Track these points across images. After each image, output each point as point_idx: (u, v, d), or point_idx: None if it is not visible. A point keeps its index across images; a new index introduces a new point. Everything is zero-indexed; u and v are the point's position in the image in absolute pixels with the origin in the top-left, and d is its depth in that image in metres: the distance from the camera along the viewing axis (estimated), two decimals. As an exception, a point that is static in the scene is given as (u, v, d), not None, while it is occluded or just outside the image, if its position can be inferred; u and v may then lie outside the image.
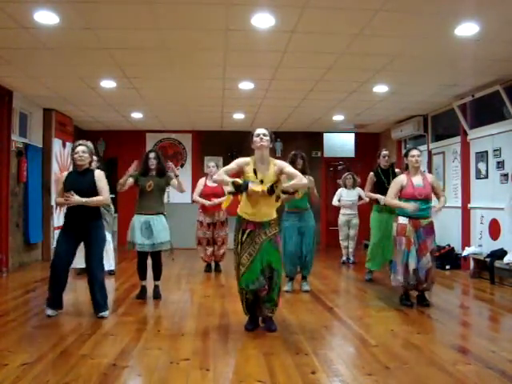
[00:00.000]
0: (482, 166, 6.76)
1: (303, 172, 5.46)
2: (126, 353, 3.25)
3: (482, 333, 3.93)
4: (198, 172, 9.93)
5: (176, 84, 6.36)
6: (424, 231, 4.61)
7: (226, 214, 6.67)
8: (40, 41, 4.67)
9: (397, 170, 5.85)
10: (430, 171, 8.26)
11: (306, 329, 3.89)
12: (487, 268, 6.11)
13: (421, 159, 4.75)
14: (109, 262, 6.50)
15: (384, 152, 5.94)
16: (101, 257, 4.30)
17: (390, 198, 4.75)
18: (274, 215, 3.84)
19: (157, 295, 5.02)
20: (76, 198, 4.06)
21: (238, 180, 3.72)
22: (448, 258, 7.17)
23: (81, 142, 4.35)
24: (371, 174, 6.00)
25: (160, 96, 7.13)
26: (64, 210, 4.46)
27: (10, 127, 6.72)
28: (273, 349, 3.37)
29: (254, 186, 3.63)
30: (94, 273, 4.21)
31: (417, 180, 4.67)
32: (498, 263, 5.91)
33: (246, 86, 6.47)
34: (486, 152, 6.63)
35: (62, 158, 8.30)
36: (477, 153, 6.88)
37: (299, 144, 9.85)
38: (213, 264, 6.93)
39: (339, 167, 10.78)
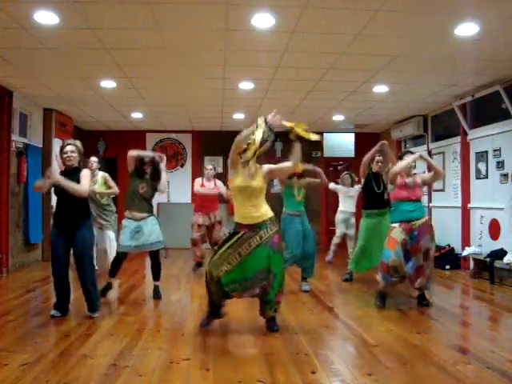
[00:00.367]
0: (481, 165, 6.76)
1: (301, 175, 5.49)
2: (126, 353, 3.25)
3: (482, 333, 3.93)
4: (198, 172, 9.93)
5: (176, 84, 6.36)
6: (418, 233, 4.60)
7: (220, 214, 6.72)
8: (40, 41, 4.67)
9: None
10: (429, 171, 8.25)
11: (305, 329, 3.89)
12: (487, 268, 6.12)
13: (414, 164, 4.84)
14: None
15: (378, 158, 5.82)
16: (90, 256, 4.29)
17: (397, 167, 4.71)
18: (268, 214, 3.78)
19: (157, 295, 5.02)
20: (54, 177, 4.00)
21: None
22: (448, 258, 7.18)
23: (69, 141, 4.34)
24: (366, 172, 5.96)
25: (160, 96, 7.13)
26: (53, 209, 4.42)
27: (10, 127, 6.72)
28: (273, 349, 3.37)
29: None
30: (85, 274, 4.19)
31: (408, 180, 4.74)
32: (497, 263, 5.91)
33: (245, 85, 6.47)
34: (486, 152, 6.63)
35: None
36: (477, 153, 6.88)
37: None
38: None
39: (339, 167, 10.78)
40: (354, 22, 4.24)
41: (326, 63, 5.45)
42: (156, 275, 5.08)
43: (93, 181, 6.30)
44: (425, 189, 8.23)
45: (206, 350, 3.34)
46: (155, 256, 5.01)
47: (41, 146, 7.75)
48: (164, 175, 5.07)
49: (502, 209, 6.17)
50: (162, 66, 5.60)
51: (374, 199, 5.71)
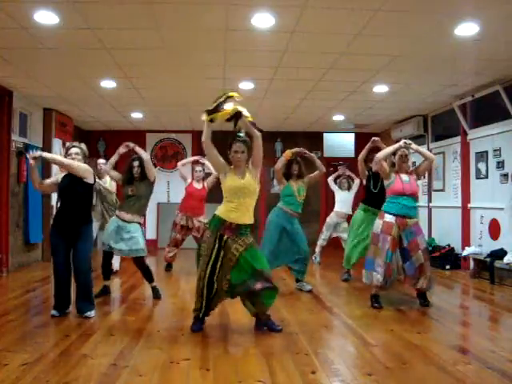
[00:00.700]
0: (481, 165, 6.76)
1: (300, 176, 5.48)
2: (126, 353, 3.25)
3: (482, 333, 3.93)
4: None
5: (176, 84, 6.36)
6: (413, 231, 4.57)
7: (205, 218, 6.71)
8: (40, 41, 4.67)
9: None
10: (429, 171, 8.26)
11: (305, 329, 3.89)
12: (487, 268, 6.11)
13: (409, 155, 4.77)
14: (117, 261, 6.54)
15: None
16: (89, 259, 4.29)
17: (383, 152, 4.73)
18: (252, 220, 3.78)
19: (157, 295, 5.01)
20: (38, 152, 4.04)
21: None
22: (448, 258, 7.17)
23: (75, 143, 4.36)
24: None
25: (160, 96, 7.13)
26: (54, 212, 4.42)
27: (10, 127, 6.72)
28: (273, 349, 3.37)
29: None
30: (80, 275, 4.19)
31: (404, 177, 4.67)
32: (497, 263, 5.91)
33: (246, 85, 6.47)
34: (486, 152, 6.63)
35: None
36: (477, 153, 6.88)
37: (299, 144, 9.84)
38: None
39: (339, 167, 10.76)
40: (354, 22, 4.24)
41: (326, 63, 5.45)
42: (148, 278, 5.06)
43: (102, 181, 6.39)
44: (425, 189, 8.29)
45: (205, 350, 3.34)
46: (139, 262, 4.97)
47: (41, 146, 7.73)
48: (143, 153, 5.01)
49: (502, 209, 6.17)
50: (162, 66, 5.60)
51: (371, 198, 5.71)
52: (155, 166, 9.34)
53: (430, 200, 8.26)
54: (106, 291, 5.06)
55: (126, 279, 6.17)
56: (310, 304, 4.88)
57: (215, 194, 6.98)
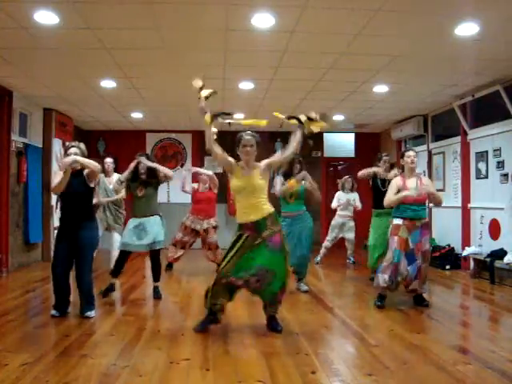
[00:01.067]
0: (482, 165, 6.76)
1: (290, 175, 5.46)
2: (126, 353, 3.25)
3: (482, 333, 3.93)
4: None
5: (176, 84, 6.36)
6: (420, 232, 4.58)
7: (216, 220, 6.72)
8: (40, 41, 4.67)
9: (392, 173, 5.77)
10: (429, 171, 8.27)
11: (305, 329, 3.89)
12: (487, 268, 6.11)
13: (416, 160, 4.75)
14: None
15: (385, 157, 5.90)
16: (91, 259, 4.31)
17: (388, 200, 4.69)
18: (267, 211, 3.73)
19: (157, 295, 5.02)
20: (72, 157, 4.06)
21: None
22: (448, 258, 7.17)
23: (73, 143, 4.36)
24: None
25: (160, 96, 7.13)
26: (59, 212, 4.43)
27: (10, 127, 6.72)
28: (273, 349, 3.37)
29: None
30: (82, 275, 4.20)
31: (411, 183, 4.65)
32: (498, 263, 5.91)
33: (246, 85, 6.47)
34: (486, 152, 6.63)
35: (62, 158, 8.30)
36: (477, 153, 6.88)
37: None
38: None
39: (339, 167, 10.78)
40: (354, 21, 4.24)
41: (326, 63, 5.45)
42: (156, 276, 5.08)
43: (109, 181, 6.40)
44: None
45: (206, 350, 3.34)
46: (156, 256, 5.01)
47: (41, 145, 7.74)
48: (157, 165, 5.06)
49: (502, 209, 6.17)
50: (162, 66, 5.60)
51: (380, 198, 5.68)
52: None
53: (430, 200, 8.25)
54: (111, 289, 5.05)
55: (126, 279, 6.17)
56: (310, 304, 4.88)
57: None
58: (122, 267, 5.03)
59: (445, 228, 7.72)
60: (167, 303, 4.90)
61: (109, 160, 6.53)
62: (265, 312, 3.89)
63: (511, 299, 5.16)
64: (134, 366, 3.01)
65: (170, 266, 6.91)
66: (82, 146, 4.36)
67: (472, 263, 6.56)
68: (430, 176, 8.09)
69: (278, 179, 5.49)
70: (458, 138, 7.35)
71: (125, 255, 4.97)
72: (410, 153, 4.71)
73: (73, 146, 4.28)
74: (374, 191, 5.87)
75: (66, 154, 4.25)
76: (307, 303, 4.92)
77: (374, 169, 5.83)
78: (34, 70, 5.78)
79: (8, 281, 6.15)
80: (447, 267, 7.08)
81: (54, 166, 7.91)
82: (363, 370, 2.97)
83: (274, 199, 6.08)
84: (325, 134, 10.47)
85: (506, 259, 5.78)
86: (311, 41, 4.75)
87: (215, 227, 6.72)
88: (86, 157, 4.38)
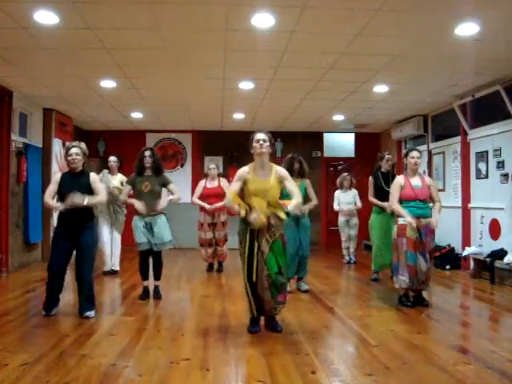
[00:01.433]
0: (482, 165, 6.76)
1: (301, 175, 5.44)
2: (126, 353, 3.25)
3: (482, 333, 3.93)
4: (198, 172, 9.95)
5: (176, 84, 6.36)
6: (425, 231, 4.59)
7: (225, 214, 6.68)
8: (40, 41, 4.67)
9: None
10: (430, 171, 8.27)
11: (305, 329, 3.89)
12: (487, 268, 6.11)
13: (420, 161, 4.75)
14: (117, 261, 6.53)
15: (388, 156, 5.96)
16: (92, 258, 4.30)
17: (395, 205, 4.68)
18: (279, 213, 3.70)
19: (157, 295, 5.02)
20: (77, 201, 4.04)
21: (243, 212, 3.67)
22: (448, 258, 7.17)
23: (74, 143, 4.35)
24: (370, 178, 6.02)
25: (160, 96, 7.13)
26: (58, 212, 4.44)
27: (10, 127, 6.72)
28: (273, 349, 3.37)
29: (256, 216, 3.58)
30: (83, 275, 4.20)
31: (415, 181, 4.67)
32: (498, 263, 5.91)
33: (246, 85, 6.47)
34: (486, 152, 6.63)
35: (62, 158, 8.30)
36: (477, 153, 6.88)
37: (299, 144, 9.87)
38: (216, 264, 6.94)
39: (339, 167, 10.78)
40: (354, 22, 4.24)
41: (326, 63, 5.45)
42: (157, 274, 5.08)
43: (113, 179, 6.39)
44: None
45: (205, 350, 3.34)
46: (158, 254, 5.01)
47: (41, 145, 7.74)
48: (174, 188, 5.12)
49: (502, 209, 6.16)
50: (162, 66, 5.60)
51: (384, 197, 5.68)
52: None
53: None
54: (146, 292, 5.04)
55: (126, 279, 6.17)
56: (310, 304, 4.88)
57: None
58: (147, 267, 5.02)
59: (445, 228, 7.70)
60: (167, 303, 4.90)
61: (113, 158, 6.52)
62: (264, 312, 3.88)
63: (511, 299, 5.16)
64: (133, 366, 3.01)
65: (210, 266, 6.94)
66: (83, 145, 4.36)
67: (472, 263, 6.56)
68: (430, 176, 8.08)
69: None
70: (458, 138, 7.35)
71: (145, 255, 4.97)
72: (414, 153, 4.70)
73: (74, 147, 4.28)
74: (377, 190, 5.89)
75: (68, 155, 4.25)
76: (307, 303, 4.92)
77: (384, 204, 5.75)
78: (33, 70, 5.78)
79: (8, 281, 6.15)
80: (447, 267, 7.08)
81: (54, 166, 7.91)
82: (363, 369, 2.97)
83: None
84: (325, 134, 10.48)
85: (506, 259, 5.78)
86: (311, 41, 4.75)
87: (224, 223, 6.71)
88: (87, 156, 4.38)
